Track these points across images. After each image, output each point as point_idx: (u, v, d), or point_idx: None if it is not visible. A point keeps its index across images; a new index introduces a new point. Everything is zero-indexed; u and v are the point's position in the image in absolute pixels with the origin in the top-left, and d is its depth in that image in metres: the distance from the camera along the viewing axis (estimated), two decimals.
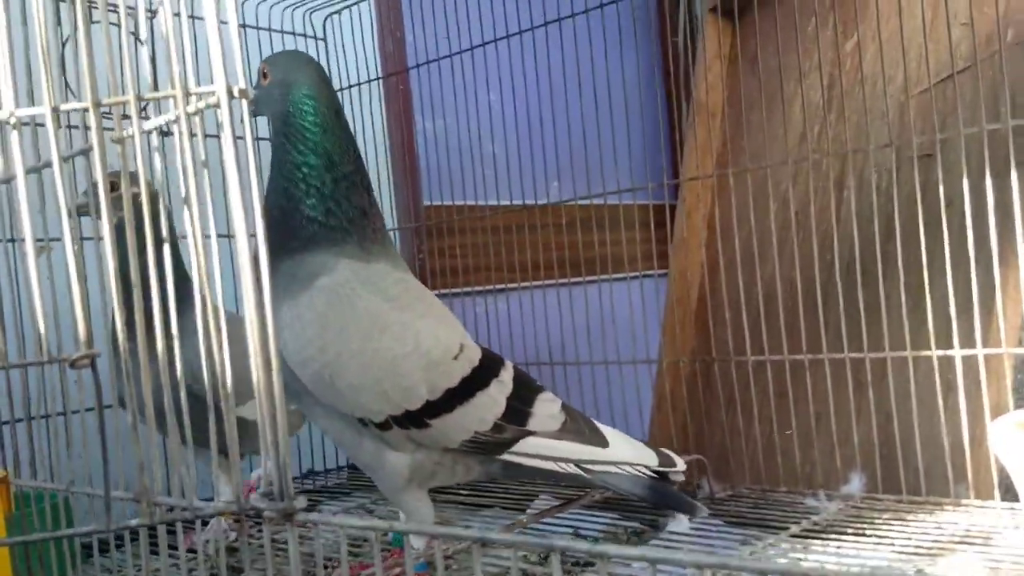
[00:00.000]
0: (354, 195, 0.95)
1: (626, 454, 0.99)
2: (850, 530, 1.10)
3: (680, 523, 1.17)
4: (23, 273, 0.80)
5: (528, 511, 1.29)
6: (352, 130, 1.02)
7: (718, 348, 1.47)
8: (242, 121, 0.57)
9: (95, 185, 0.57)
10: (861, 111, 1.47)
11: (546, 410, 0.99)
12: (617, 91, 1.52)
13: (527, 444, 0.97)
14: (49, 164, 0.58)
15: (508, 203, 1.78)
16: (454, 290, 2.02)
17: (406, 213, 2.08)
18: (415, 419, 0.92)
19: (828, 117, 1.58)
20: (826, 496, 1.25)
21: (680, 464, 1.01)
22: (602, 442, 0.99)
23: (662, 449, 1.03)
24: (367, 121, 1.87)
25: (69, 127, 1.01)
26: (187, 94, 0.58)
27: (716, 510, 1.25)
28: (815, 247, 1.40)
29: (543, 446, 0.97)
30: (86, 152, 0.60)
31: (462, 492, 1.47)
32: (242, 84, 0.56)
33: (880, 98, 1.38)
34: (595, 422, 1.01)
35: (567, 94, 1.61)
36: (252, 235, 0.56)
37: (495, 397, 0.96)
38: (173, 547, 0.94)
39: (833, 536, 1.09)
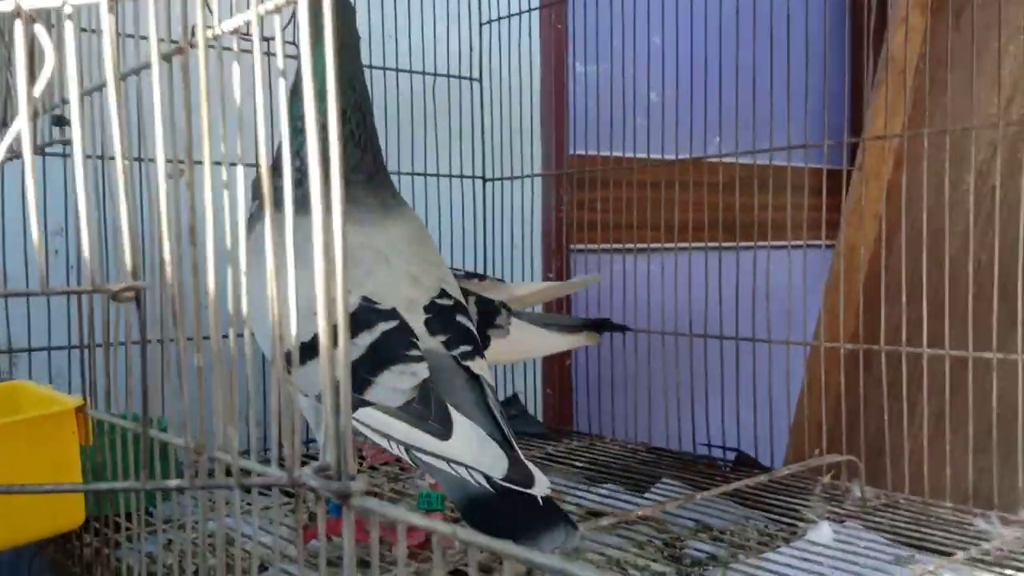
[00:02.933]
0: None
1: (463, 453, 0.84)
2: None
3: (821, 530, 1.03)
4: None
5: (649, 495, 1.16)
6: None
7: (887, 335, 1.28)
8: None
9: None
10: None
11: (393, 383, 0.88)
12: (798, 40, 1.34)
13: (363, 414, 0.88)
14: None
15: (660, 157, 1.62)
16: (591, 246, 1.88)
17: (548, 160, 1.95)
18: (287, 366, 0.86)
19: None
20: (1000, 520, 1.09)
21: (539, 487, 0.82)
22: (442, 433, 0.85)
23: (527, 463, 0.84)
24: (517, 57, 1.74)
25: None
26: None
27: (868, 521, 1.10)
28: (1021, 228, 1.18)
29: (377, 420, 0.88)
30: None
31: (578, 463, 1.38)
32: None
33: None
34: (454, 412, 0.87)
35: (739, 40, 1.43)
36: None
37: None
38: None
39: (1011, 570, 0.94)
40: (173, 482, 0.49)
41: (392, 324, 0.93)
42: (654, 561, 0.99)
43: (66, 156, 1.02)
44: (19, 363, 1.27)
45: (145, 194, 1.04)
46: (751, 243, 1.48)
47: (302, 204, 0.88)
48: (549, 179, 1.95)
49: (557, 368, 1.97)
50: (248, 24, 0.49)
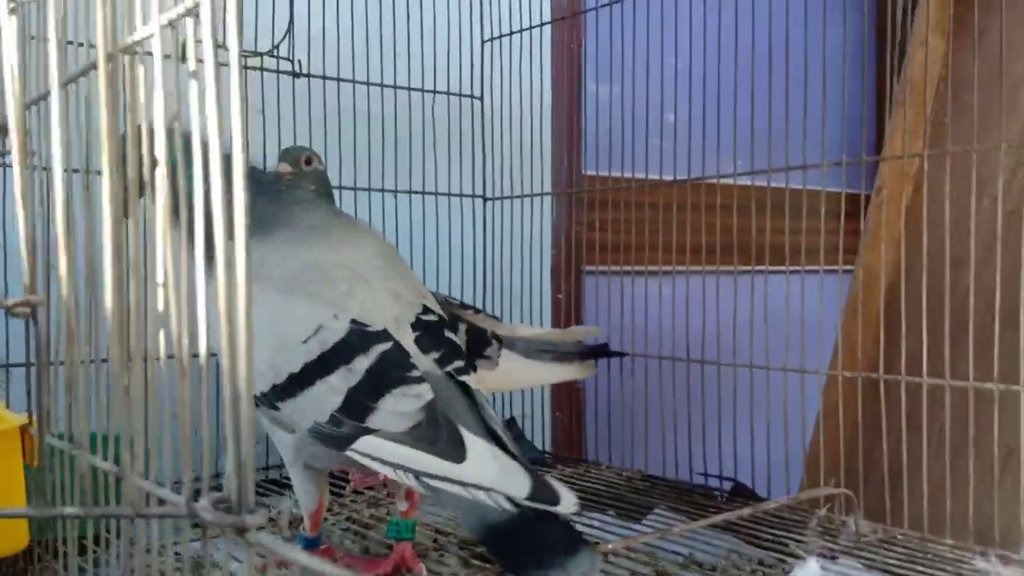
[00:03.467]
0: None
1: (481, 476, 0.78)
2: None
3: (808, 567, 0.98)
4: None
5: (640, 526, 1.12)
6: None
7: (908, 365, 1.22)
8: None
9: None
10: None
11: (397, 406, 0.83)
12: (816, 64, 1.29)
13: (365, 443, 0.83)
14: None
15: (673, 178, 1.57)
16: (601, 268, 1.83)
17: (559, 180, 1.91)
18: (269, 400, 0.88)
19: None
20: (999, 559, 1.03)
21: (566, 504, 0.76)
22: (456, 456, 0.79)
23: (549, 480, 0.78)
24: (519, 75, 1.71)
25: None
26: None
27: (860, 558, 1.06)
28: None
29: (381, 448, 0.83)
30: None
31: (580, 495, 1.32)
32: None
33: None
34: (466, 433, 0.81)
35: (754, 63, 1.38)
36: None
37: (336, 386, 0.85)
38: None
39: None
40: (70, 509, 0.45)
41: (387, 346, 0.88)
42: None
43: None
44: None
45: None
46: (766, 267, 1.43)
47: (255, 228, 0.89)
48: (561, 199, 1.91)
49: (567, 394, 1.92)
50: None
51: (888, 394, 1.30)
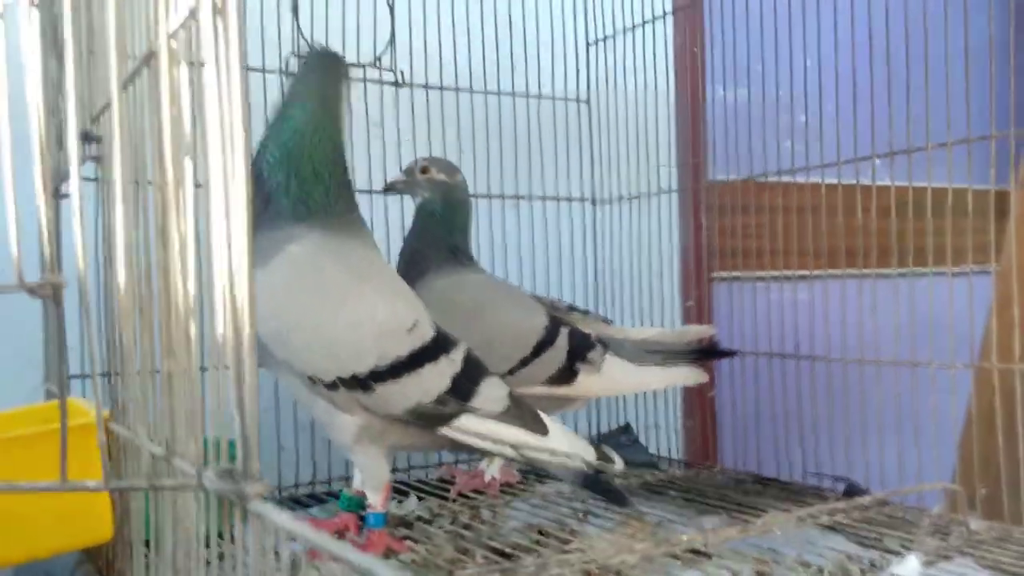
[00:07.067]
0: (328, 178, 1.03)
1: (563, 445, 1.02)
2: None
3: (907, 563, 0.95)
4: None
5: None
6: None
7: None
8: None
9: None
10: None
11: (492, 392, 1.02)
12: (958, 59, 1.21)
13: (467, 421, 1.00)
14: None
15: (805, 180, 1.51)
16: (733, 273, 1.78)
17: (684, 184, 1.87)
18: (362, 383, 0.97)
19: None
20: None
21: (618, 463, 1.05)
22: (541, 431, 1.02)
23: (603, 447, 1.06)
24: (649, 71, 1.69)
25: None
26: None
27: (972, 554, 1.00)
28: None
29: (481, 425, 1.01)
30: None
31: (686, 495, 1.32)
32: None
33: None
34: (540, 413, 1.04)
35: (890, 56, 1.31)
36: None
37: (442, 371, 1.00)
38: None
39: None
40: (91, 482, 0.47)
41: (466, 344, 1.04)
42: None
43: None
44: None
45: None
46: (907, 269, 1.35)
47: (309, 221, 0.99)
48: (687, 204, 1.86)
49: (698, 401, 1.88)
50: None
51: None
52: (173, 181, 0.48)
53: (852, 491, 1.27)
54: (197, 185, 0.48)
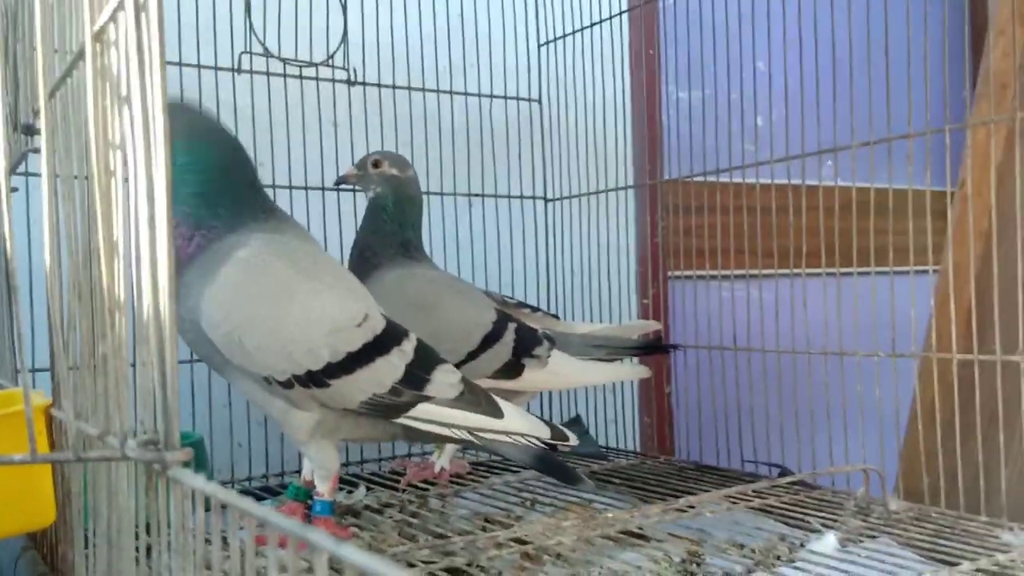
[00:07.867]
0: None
1: (518, 426, 1.06)
2: None
3: (824, 540, 1.02)
4: None
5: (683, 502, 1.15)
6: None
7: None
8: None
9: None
10: None
11: (445, 379, 1.04)
12: (900, 62, 1.25)
13: (423, 409, 1.03)
14: None
15: (754, 181, 1.54)
16: (688, 272, 1.81)
17: (643, 187, 1.91)
18: (316, 379, 0.98)
19: None
20: (1021, 530, 1.04)
21: (573, 440, 1.09)
22: (497, 413, 1.05)
23: (557, 425, 1.09)
24: (602, 71, 1.72)
25: None
26: None
27: (891, 532, 1.06)
28: None
29: (437, 412, 1.03)
30: None
31: (629, 483, 1.34)
32: None
33: None
34: (495, 397, 1.07)
35: (836, 60, 1.35)
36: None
37: (394, 363, 1.02)
38: None
39: None
40: (17, 456, 0.49)
41: (416, 335, 1.06)
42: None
43: None
44: None
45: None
46: (852, 269, 1.39)
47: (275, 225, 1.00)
48: (643, 203, 1.90)
49: (653, 396, 1.92)
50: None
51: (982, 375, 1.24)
52: (102, 173, 0.50)
53: (784, 475, 1.31)
54: (125, 179, 0.50)
